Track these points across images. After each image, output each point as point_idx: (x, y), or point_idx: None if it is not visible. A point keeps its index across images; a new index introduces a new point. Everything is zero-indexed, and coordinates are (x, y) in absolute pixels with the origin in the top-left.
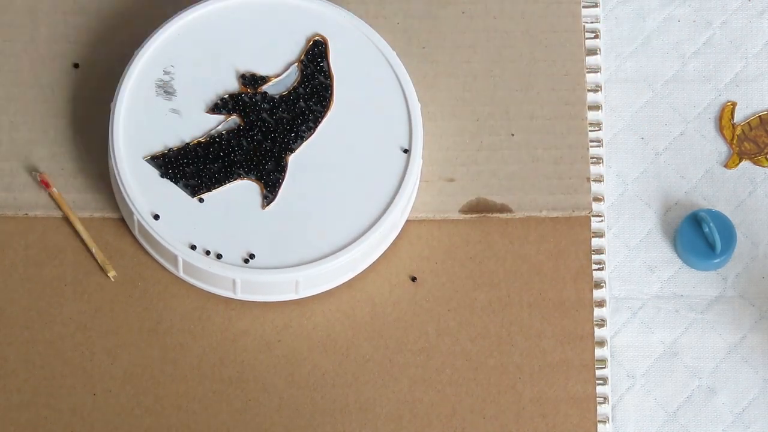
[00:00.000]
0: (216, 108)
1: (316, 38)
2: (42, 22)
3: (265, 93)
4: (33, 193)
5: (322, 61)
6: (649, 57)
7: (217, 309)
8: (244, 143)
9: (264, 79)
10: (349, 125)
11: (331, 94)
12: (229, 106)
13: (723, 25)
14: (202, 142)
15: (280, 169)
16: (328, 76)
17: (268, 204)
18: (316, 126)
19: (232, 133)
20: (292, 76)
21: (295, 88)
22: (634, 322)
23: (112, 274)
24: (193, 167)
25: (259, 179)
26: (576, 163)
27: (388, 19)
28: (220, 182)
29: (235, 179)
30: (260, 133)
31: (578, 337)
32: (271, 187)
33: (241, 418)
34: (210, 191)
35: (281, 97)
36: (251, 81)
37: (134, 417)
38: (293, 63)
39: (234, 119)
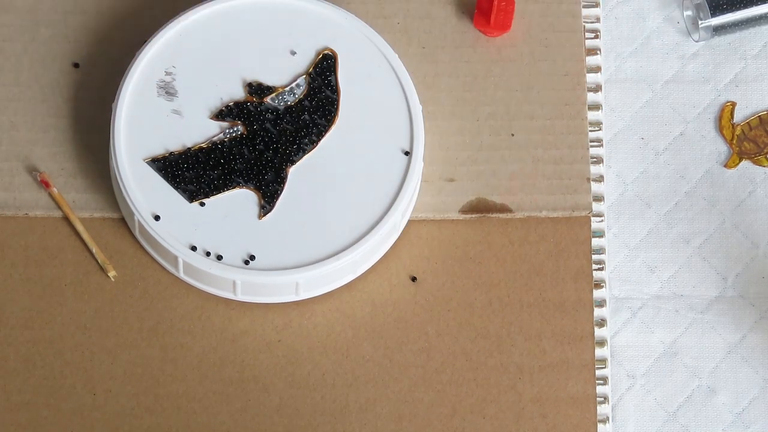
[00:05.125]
0: (220, 115)
1: (325, 51)
2: (42, 22)
3: (270, 103)
4: (33, 193)
5: (330, 75)
6: (649, 57)
7: (217, 309)
8: (246, 152)
9: (270, 89)
10: (351, 128)
11: (336, 109)
12: (234, 114)
13: None
14: (203, 148)
15: (280, 180)
16: (335, 90)
17: (264, 214)
18: (319, 140)
19: (234, 141)
20: (298, 87)
21: (300, 101)
22: (634, 322)
23: (112, 274)
24: (192, 172)
25: (257, 189)
26: (576, 163)
27: (388, 19)
28: (218, 189)
29: (234, 187)
30: (262, 143)
31: (578, 337)
32: (269, 198)
33: (241, 418)
34: (208, 197)
35: (286, 108)
36: (257, 90)
37: (134, 417)
38: (301, 75)
39: (237, 127)
